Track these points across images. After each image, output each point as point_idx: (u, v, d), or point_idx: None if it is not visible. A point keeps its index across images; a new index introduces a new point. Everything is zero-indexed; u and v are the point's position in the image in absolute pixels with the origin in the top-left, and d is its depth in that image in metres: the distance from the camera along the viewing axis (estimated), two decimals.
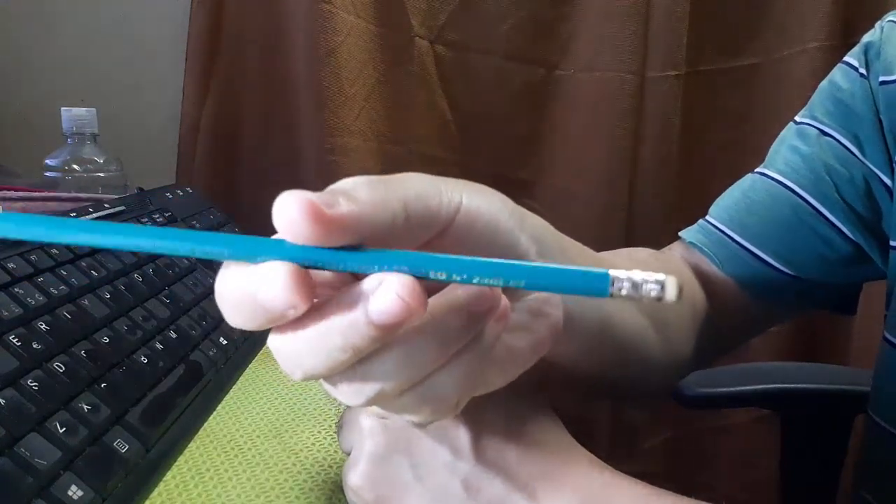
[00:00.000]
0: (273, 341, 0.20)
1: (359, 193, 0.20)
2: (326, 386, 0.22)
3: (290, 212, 0.18)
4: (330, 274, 0.21)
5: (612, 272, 0.18)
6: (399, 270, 0.18)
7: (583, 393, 0.41)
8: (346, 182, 0.21)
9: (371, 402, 0.21)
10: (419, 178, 0.22)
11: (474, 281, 0.19)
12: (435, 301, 0.21)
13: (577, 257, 0.30)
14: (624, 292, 0.18)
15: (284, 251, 0.19)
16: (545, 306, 0.25)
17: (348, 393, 0.21)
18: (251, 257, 0.19)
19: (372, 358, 0.20)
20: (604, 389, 0.44)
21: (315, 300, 0.19)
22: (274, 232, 0.19)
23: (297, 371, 0.20)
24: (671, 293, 0.18)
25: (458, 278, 0.19)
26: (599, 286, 0.18)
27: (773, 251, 0.48)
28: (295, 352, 0.20)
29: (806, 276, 0.48)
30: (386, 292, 0.18)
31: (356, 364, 0.20)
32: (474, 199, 0.23)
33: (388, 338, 0.19)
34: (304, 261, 0.19)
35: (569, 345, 0.30)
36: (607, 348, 0.34)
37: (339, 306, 0.19)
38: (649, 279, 0.18)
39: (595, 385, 0.39)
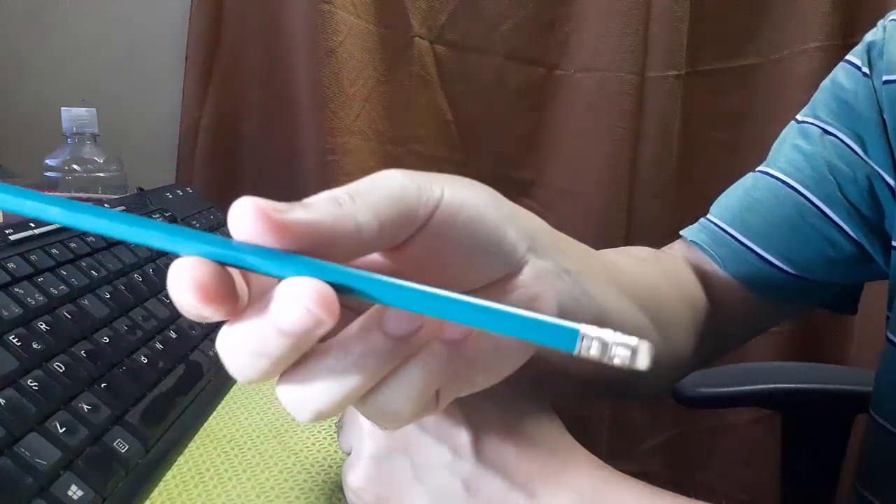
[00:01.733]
0: (218, 340, 0.20)
1: (319, 205, 0.20)
2: (278, 395, 0.22)
3: (242, 214, 0.18)
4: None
5: (584, 329, 0.17)
6: (324, 279, 0.18)
7: (581, 393, 0.41)
8: (315, 196, 0.20)
9: (314, 418, 0.21)
10: (393, 177, 0.22)
11: (417, 312, 0.18)
12: (359, 321, 0.20)
13: (573, 257, 0.29)
14: (592, 352, 0.17)
15: (210, 244, 0.18)
16: (535, 303, 0.24)
17: (291, 406, 0.21)
18: (175, 243, 0.18)
19: (305, 368, 0.20)
20: (602, 389, 0.43)
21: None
22: None
23: (233, 371, 0.20)
24: (643, 361, 0.17)
25: (397, 304, 0.18)
26: (566, 342, 0.17)
27: (775, 250, 0.48)
28: (229, 353, 0.20)
29: (808, 275, 0.48)
30: (292, 303, 0.18)
31: (291, 374, 0.20)
32: (457, 193, 0.22)
33: (302, 345, 0.19)
34: (226, 259, 0.18)
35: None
36: None
37: (254, 311, 0.19)
38: (619, 342, 0.17)
39: (593, 385, 0.39)
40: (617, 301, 0.33)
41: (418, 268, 0.22)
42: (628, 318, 0.36)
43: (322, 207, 0.20)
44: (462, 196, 0.23)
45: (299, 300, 0.17)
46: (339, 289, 0.18)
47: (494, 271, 0.24)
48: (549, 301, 0.25)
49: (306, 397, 0.21)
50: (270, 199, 0.18)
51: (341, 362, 0.20)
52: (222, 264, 0.18)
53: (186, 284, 0.17)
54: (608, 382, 0.39)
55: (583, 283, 0.28)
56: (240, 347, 0.19)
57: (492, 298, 0.19)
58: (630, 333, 0.36)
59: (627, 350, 0.17)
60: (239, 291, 0.19)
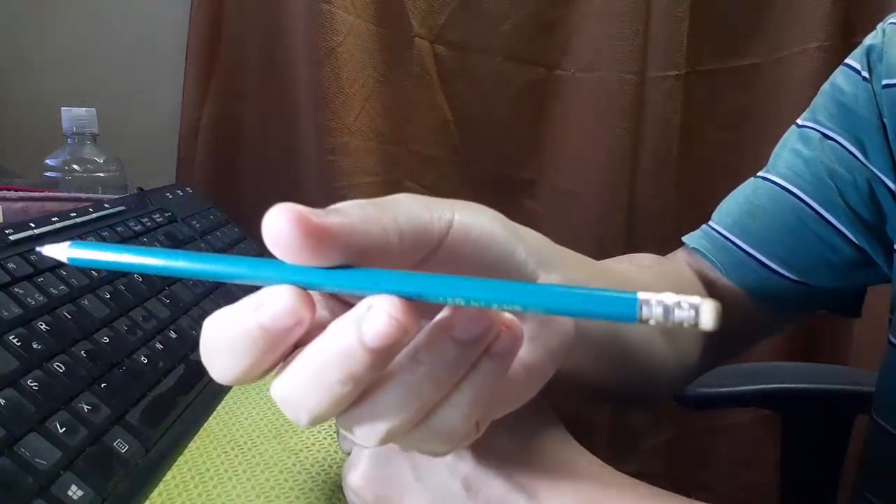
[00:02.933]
0: (275, 390, 0.20)
1: (349, 210, 0.20)
2: (342, 432, 0.22)
3: (279, 222, 0.18)
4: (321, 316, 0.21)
5: (642, 295, 0.16)
6: (396, 290, 0.18)
7: (588, 398, 0.41)
8: (337, 204, 0.21)
9: (385, 440, 0.21)
10: (408, 198, 0.22)
11: (481, 305, 0.18)
12: (428, 329, 0.20)
13: (578, 268, 0.29)
14: (654, 318, 0.16)
15: (279, 272, 0.19)
16: (550, 316, 0.25)
17: (361, 435, 0.21)
18: (242, 277, 0.19)
19: (374, 395, 0.20)
20: (609, 395, 0.43)
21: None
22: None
23: (302, 414, 0.20)
24: (707, 320, 0.16)
25: (462, 301, 0.18)
26: (626, 311, 0.16)
27: (777, 257, 0.48)
28: (296, 394, 0.20)
29: (810, 281, 0.48)
30: (377, 313, 0.18)
31: (361, 403, 0.20)
32: (465, 215, 0.23)
33: (384, 363, 0.19)
34: (297, 282, 0.19)
35: (578, 354, 0.29)
36: (616, 356, 0.34)
37: (332, 337, 0.19)
38: (682, 302, 0.16)
39: (601, 391, 0.39)
40: None
41: None
42: (639, 327, 0.36)
43: (351, 211, 0.20)
44: (471, 217, 0.23)
45: (382, 313, 0.18)
46: (410, 296, 0.18)
47: None
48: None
49: (378, 418, 0.21)
50: (270, 210, 0.18)
51: (414, 374, 0.20)
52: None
53: (289, 298, 0.18)
54: (614, 389, 0.39)
55: None
56: (318, 379, 0.19)
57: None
58: (637, 340, 0.37)
59: (692, 310, 0.16)
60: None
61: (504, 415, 0.24)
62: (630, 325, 0.34)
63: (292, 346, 0.20)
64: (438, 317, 0.21)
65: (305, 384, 0.19)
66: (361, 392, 0.20)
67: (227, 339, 0.19)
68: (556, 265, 0.27)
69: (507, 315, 0.21)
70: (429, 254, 0.22)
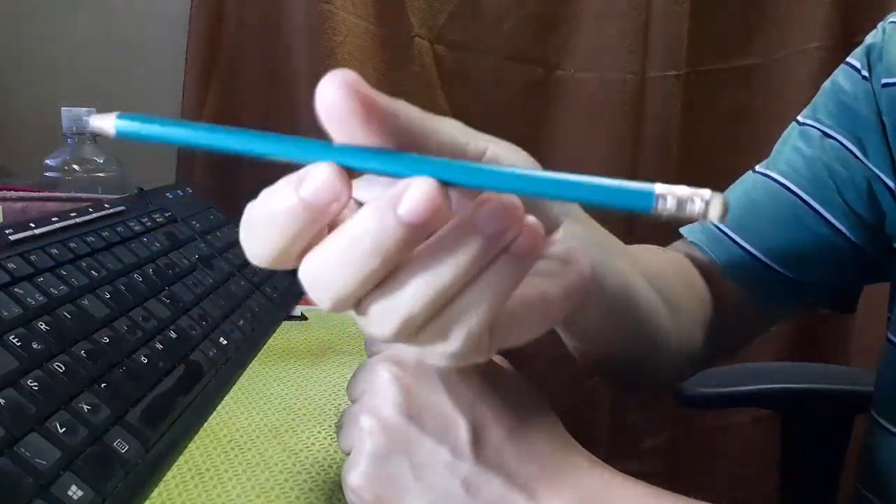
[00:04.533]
0: (304, 266, 0.21)
1: (399, 103, 0.21)
2: (357, 319, 0.22)
3: (334, 89, 0.18)
4: None
5: (658, 187, 0.18)
6: (431, 174, 0.19)
7: (593, 369, 0.41)
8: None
9: (401, 328, 0.21)
10: (450, 121, 0.23)
11: (510, 191, 0.19)
12: (455, 220, 0.21)
13: (603, 234, 0.31)
14: (669, 207, 0.17)
15: (323, 151, 0.19)
16: (570, 258, 0.25)
17: (379, 318, 0.21)
18: (286, 155, 0.20)
19: (397, 277, 0.21)
20: (616, 370, 0.43)
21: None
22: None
23: (327, 293, 0.21)
24: (715, 211, 0.17)
25: (493, 187, 0.20)
26: (643, 202, 0.18)
27: (774, 253, 0.48)
28: (326, 270, 0.20)
29: (806, 277, 0.48)
30: (413, 192, 0.18)
31: (383, 285, 0.21)
32: (499, 149, 0.24)
33: (416, 240, 0.20)
34: (343, 161, 0.19)
35: (592, 308, 0.30)
36: (626, 318, 0.35)
37: (368, 212, 0.19)
38: (695, 194, 0.17)
39: (608, 363, 0.40)
40: (636, 278, 0.36)
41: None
42: (647, 295, 0.37)
43: (405, 106, 0.21)
44: (504, 152, 0.25)
45: (417, 191, 0.18)
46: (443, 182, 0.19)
47: None
48: (583, 259, 0.25)
49: (397, 302, 0.21)
50: (326, 76, 0.19)
51: (437, 259, 0.20)
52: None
53: (329, 175, 0.19)
54: (621, 361, 0.39)
55: (610, 255, 0.30)
56: (350, 252, 0.20)
57: None
58: (648, 311, 0.38)
59: (702, 202, 0.17)
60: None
61: (517, 343, 0.24)
62: (641, 287, 0.36)
63: (327, 229, 0.20)
64: (458, 215, 0.21)
65: (338, 258, 0.20)
66: (385, 275, 0.21)
67: (267, 214, 0.20)
68: (581, 221, 0.28)
69: (531, 218, 0.21)
70: None
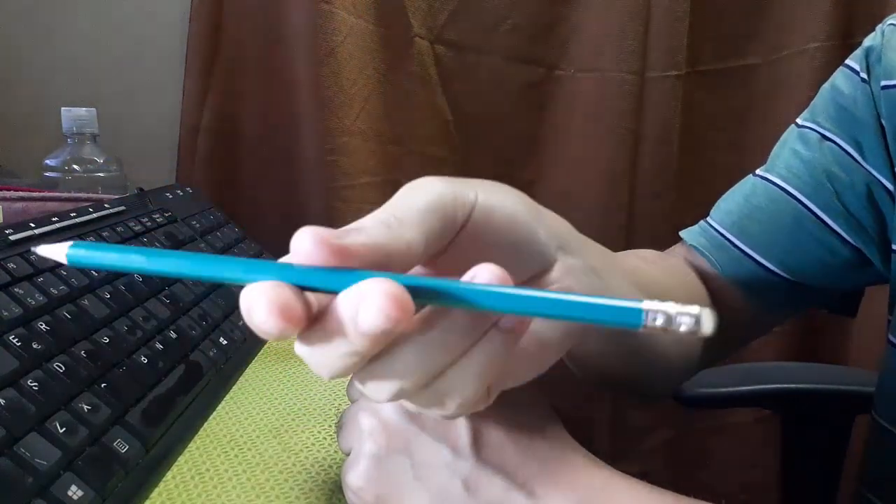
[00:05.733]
0: (298, 349, 0.22)
1: (371, 230, 0.21)
2: (357, 385, 0.23)
3: (305, 244, 0.19)
4: None
5: (646, 305, 0.18)
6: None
7: (594, 383, 0.42)
8: (361, 220, 0.22)
9: (394, 397, 0.22)
10: (433, 185, 0.23)
11: (495, 311, 0.19)
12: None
13: (595, 256, 0.30)
14: (658, 325, 0.17)
15: (285, 273, 0.20)
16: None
17: (373, 390, 0.22)
18: (252, 279, 0.20)
19: (387, 354, 0.21)
20: (614, 383, 0.44)
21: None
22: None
23: (323, 372, 0.22)
24: (707, 327, 0.17)
25: (475, 307, 0.19)
26: (631, 320, 0.18)
27: (774, 257, 0.48)
28: (314, 358, 0.21)
29: (807, 281, 0.48)
30: (368, 308, 0.18)
31: (374, 361, 0.21)
32: (490, 196, 0.24)
33: (385, 342, 0.20)
34: (302, 283, 0.20)
35: (592, 338, 0.30)
36: (625, 342, 0.35)
37: (335, 318, 0.20)
38: (683, 312, 0.17)
39: (607, 377, 0.40)
40: (636, 296, 0.34)
41: (457, 268, 0.22)
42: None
43: (375, 232, 0.21)
44: (495, 198, 0.24)
45: (373, 308, 0.18)
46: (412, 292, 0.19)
47: (527, 269, 0.26)
48: (583, 291, 0.25)
49: (390, 377, 0.22)
50: (298, 231, 0.19)
51: (425, 338, 0.21)
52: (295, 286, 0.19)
53: (267, 308, 0.19)
54: (622, 376, 0.39)
55: (607, 279, 0.29)
56: (330, 350, 0.20)
57: None
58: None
59: (692, 318, 0.17)
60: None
61: (517, 385, 0.25)
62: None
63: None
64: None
65: (321, 351, 0.21)
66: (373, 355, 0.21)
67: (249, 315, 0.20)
68: (575, 250, 0.27)
69: None
70: (453, 237, 0.23)
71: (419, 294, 0.19)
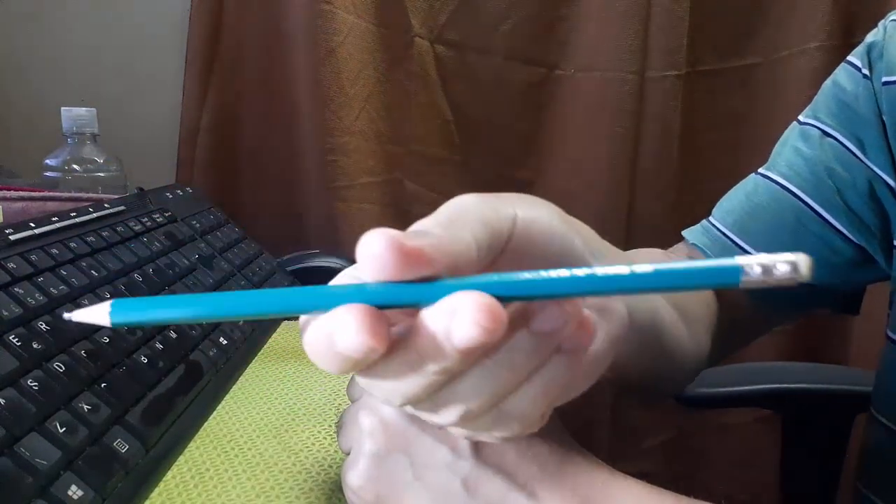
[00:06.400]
0: (364, 379, 0.21)
1: (432, 231, 0.20)
2: (412, 410, 0.23)
3: (374, 247, 0.18)
4: None
5: (741, 261, 0.18)
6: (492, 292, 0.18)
7: (611, 387, 0.42)
8: (418, 224, 0.21)
9: (459, 422, 0.22)
10: (475, 202, 0.23)
11: (589, 295, 0.19)
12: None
13: (619, 259, 0.30)
14: (756, 278, 0.18)
15: (364, 295, 0.19)
16: (609, 303, 0.25)
17: (436, 414, 0.22)
18: (328, 307, 0.19)
19: (455, 380, 0.21)
20: (633, 383, 0.44)
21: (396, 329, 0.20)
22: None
23: (396, 398, 0.21)
24: (804, 270, 0.17)
25: (565, 294, 0.19)
26: (730, 278, 0.18)
27: None
28: (392, 383, 0.21)
29: (809, 279, 0.48)
30: (462, 321, 0.18)
31: (439, 390, 0.21)
32: (528, 211, 0.24)
33: (475, 358, 0.20)
34: (383, 301, 0.19)
35: (624, 345, 0.30)
36: (652, 344, 0.35)
37: (425, 335, 0.19)
38: (780, 260, 0.17)
39: (627, 380, 0.40)
40: (658, 300, 0.36)
41: None
42: (669, 315, 0.37)
43: (437, 232, 0.20)
44: (533, 212, 0.24)
45: (468, 320, 0.18)
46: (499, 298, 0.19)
47: None
48: (618, 303, 0.25)
49: (456, 401, 0.21)
50: (366, 234, 0.19)
51: (492, 361, 0.21)
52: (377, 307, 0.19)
53: (360, 329, 0.18)
54: (646, 377, 0.40)
55: None
56: (413, 371, 0.20)
57: None
58: (670, 331, 0.39)
59: (789, 265, 0.17)
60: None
61: (567, 400, 0.25)
62: (666, 310, 0.36)
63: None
64: (516, 308, 0.21)
65: (402, 373, 0.20)
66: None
67: (314, 353, 0.20)
68: (604, 255, 0.28)
69: (584, 312, 0.22)
70: (499, 253, 0.23)
71: (503, 296, 0.19)
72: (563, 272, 0.19)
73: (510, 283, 0.19)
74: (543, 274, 0.19)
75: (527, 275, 0.19)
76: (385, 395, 0.21)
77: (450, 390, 0.21)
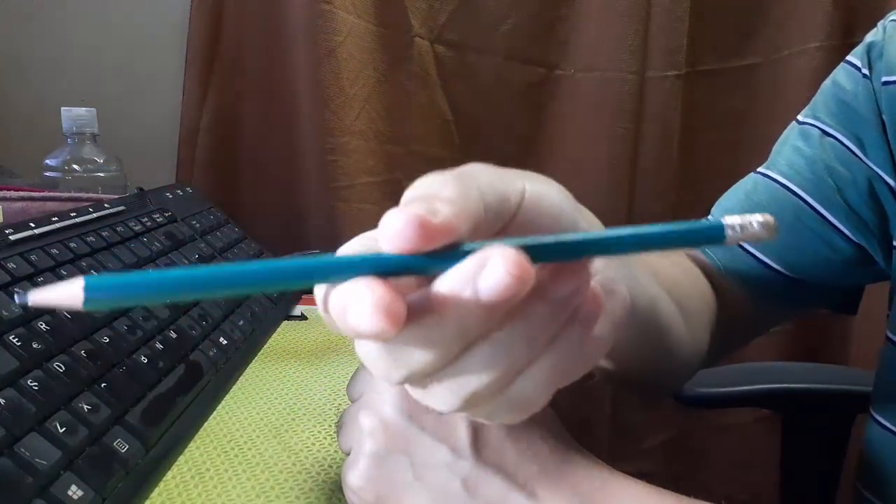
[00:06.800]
0: (362, 347, 0.20)
1: (447, 193, 0.19)
2: (416, 392, 0.22)
3: (397, 224, 0.17)
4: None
5: (726, 220, 0.20)
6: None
7: (608, 381, 0.42)
8: (427, 182, 0.20)
9: (467, 403, 0.21)
10: (485, 169, 0.22)
11: (596, 254, 0.21)
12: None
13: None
14: (736, 236, 0.20)
15: (383, 263, 0.18)
16: (612, 286, 0.25)
17: (441, 395, 0.21)
18: (347, 276, 0.18)
19: (465, 355, 0.20)
20: (632, 379, 0.43)
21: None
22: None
23: (400, 371, 0.20)
24: (771, 230, 0.20)
25: (571, 257, 0.20)
26: (717, 234, 0.21)
27: (776, 255, 0.48)
28: (402, 352, 0.19)
29: (809, 278, 0.48)
30: (494, 270, 0.17)
31: (451, 363, 0.20)
32: (535, 185, 0.23)
33: (497, 320, 0.19)
34: (405, 269, 0.18)
35: (623, 331, 0.30)
36: (652, 336, 0.35)
37: (444, 295, 0.18)
38: (754, 221, 0.21)
39: (626, 375, 0.40)
40: (656, 289, 0.36)
41: None
42: (669, 308, 0.37)
43: (453, 196, 0.19)
44: (540, 188, 0.24)
45: (499, 269, 0.17)
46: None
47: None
48: (621, 287, 0.25)
49: (466, 379, 0.20)
50: (388, 213, 0.18)
51: (506, 332, 0.20)
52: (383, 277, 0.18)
53: (372, 308, 0.17)
54: (638, 374, 0.40)
55: (634, 272, 0.31)
56: (431, 336, 0.19)
57: None
58: (669, 324, 0.39)
59: (759, 224, 0.20)
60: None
61: (570, 382, 0.24)
62: (664, 301, 0.37)
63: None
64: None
65: (417, 341, 0.19)
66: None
67: (334, 321, 0.19)
68: None
69: (592, 284, 0.21)
70: (503, 225, 0.22)
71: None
72: (580, 234, 0.21)
73: (534, 244, 0.19)
74: (563, 237, 0.20)
75: (549, 238, 0.20)
76: (387, 369, 0.20)
77: (460, 366, 0.20)
